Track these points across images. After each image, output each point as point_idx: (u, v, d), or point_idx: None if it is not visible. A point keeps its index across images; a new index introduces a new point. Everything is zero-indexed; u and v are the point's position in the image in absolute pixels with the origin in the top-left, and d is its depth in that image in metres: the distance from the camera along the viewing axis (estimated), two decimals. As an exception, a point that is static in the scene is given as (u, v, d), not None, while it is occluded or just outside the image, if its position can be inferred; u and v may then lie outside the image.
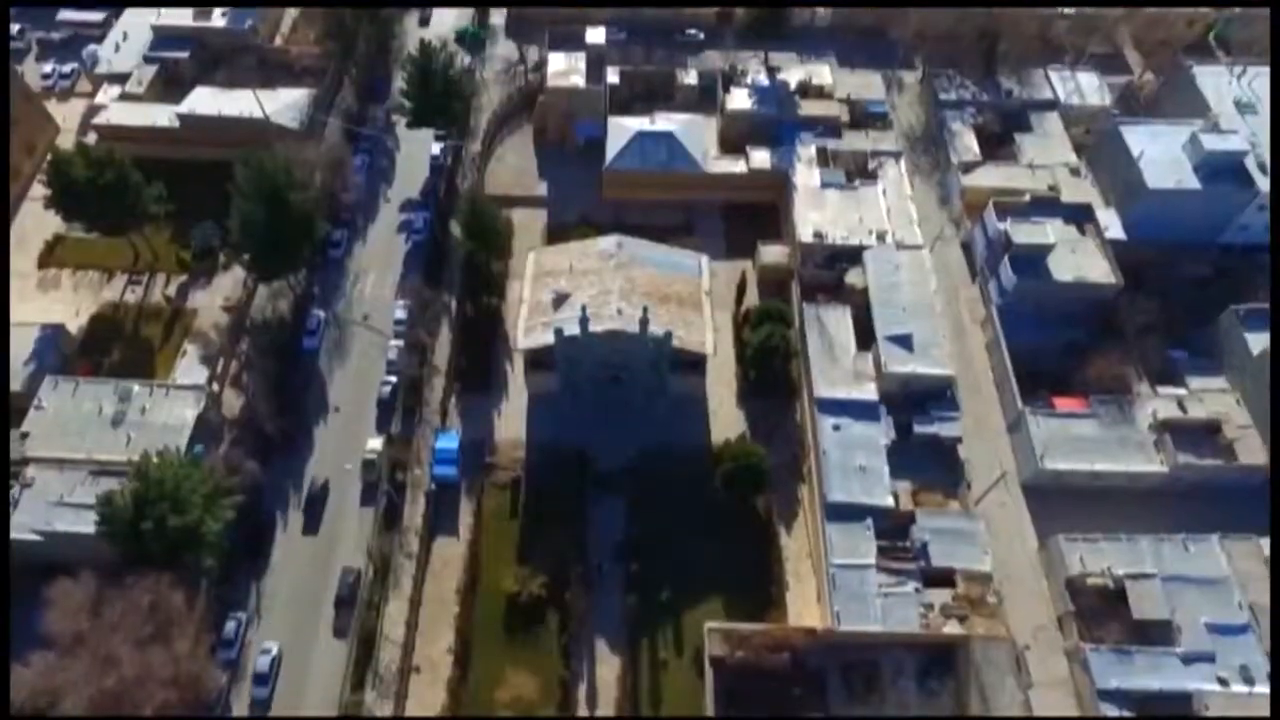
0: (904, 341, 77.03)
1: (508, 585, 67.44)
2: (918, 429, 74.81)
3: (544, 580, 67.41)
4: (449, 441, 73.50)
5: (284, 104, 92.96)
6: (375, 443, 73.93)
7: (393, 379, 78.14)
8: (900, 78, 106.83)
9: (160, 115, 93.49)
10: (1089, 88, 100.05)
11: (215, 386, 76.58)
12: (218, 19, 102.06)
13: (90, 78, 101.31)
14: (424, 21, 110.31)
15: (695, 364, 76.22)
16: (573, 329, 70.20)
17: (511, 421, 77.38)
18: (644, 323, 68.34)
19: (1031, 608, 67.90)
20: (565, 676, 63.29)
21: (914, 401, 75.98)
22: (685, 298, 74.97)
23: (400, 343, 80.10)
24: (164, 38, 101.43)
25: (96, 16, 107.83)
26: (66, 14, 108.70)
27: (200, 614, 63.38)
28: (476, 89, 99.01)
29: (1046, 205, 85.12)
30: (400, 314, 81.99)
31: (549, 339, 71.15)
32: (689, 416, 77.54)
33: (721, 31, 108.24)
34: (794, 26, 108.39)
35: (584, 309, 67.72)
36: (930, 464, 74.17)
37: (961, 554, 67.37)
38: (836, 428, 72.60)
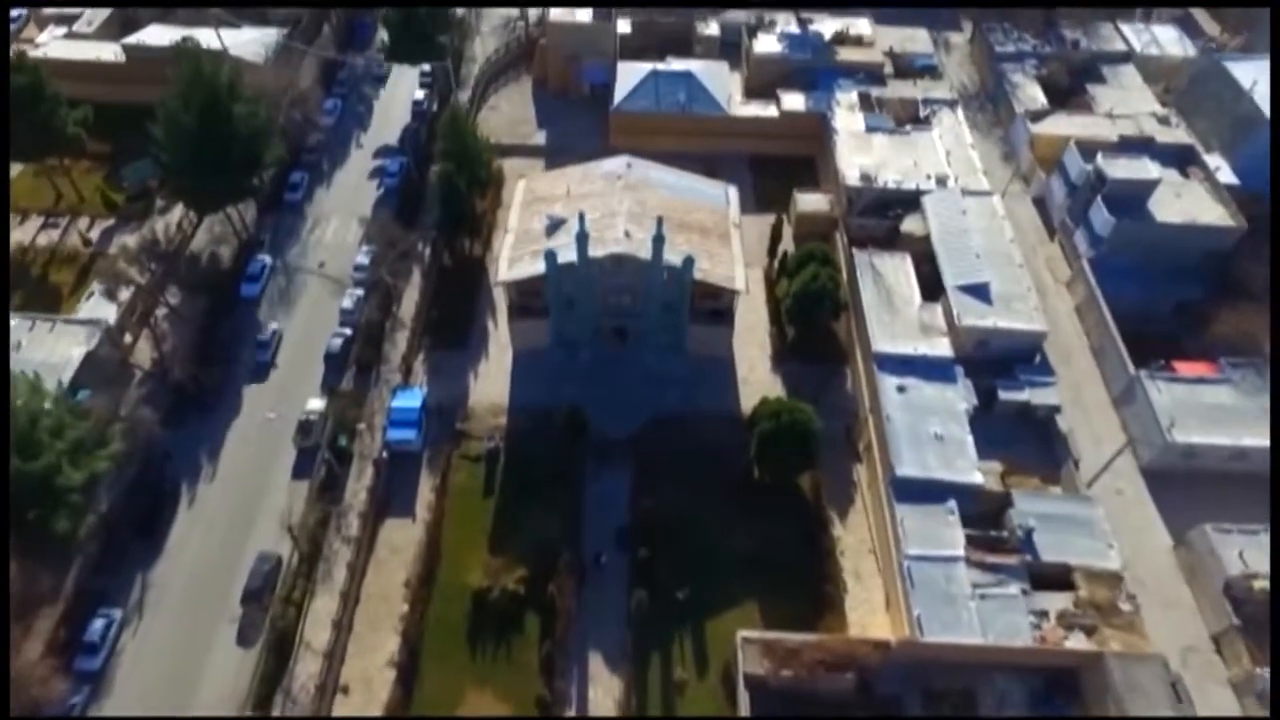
0: (980, 292, 62.04)
1: (474, 579, 50.92)
2: (1003, 395, 59.14)
3: (523, 574, 50.95)
4: (410, 400, 58.02)
5: (248, 38, 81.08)
6: (316, 402, 58.51)
7: (346, 331, 63.27)
8: (947, 38, 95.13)
9: (105, 51, 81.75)
10: (1167, 39, 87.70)
11: (129, 338, 61.92)
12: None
13: (38, 20, 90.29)
14: None
15: (720, 312, 61.33)
16: (568, 255, 55.62)
17: (491, 383, 61.97)
18: (659, 241, 53.60)
19: (1173, 622, 50.70)
20: (546, 698, 46.03)
21: (994, 364, 60.50)
22: (709, 227, 60.50)
23: (359, 291, 65.58)
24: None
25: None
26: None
27: (63, 604, 47.46)
28: (467, 29, 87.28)
29: (1138, 147, 71.21)
30: (363, 259, 67.68)
31: (538, 268, 56.44)
32: (712, 380, 62.01)
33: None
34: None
35: (582, 217, 53.06)
36: (1020, 440, 58.18)
37: (1078, 547, 50.70)
38: (901, 389, 56.92)
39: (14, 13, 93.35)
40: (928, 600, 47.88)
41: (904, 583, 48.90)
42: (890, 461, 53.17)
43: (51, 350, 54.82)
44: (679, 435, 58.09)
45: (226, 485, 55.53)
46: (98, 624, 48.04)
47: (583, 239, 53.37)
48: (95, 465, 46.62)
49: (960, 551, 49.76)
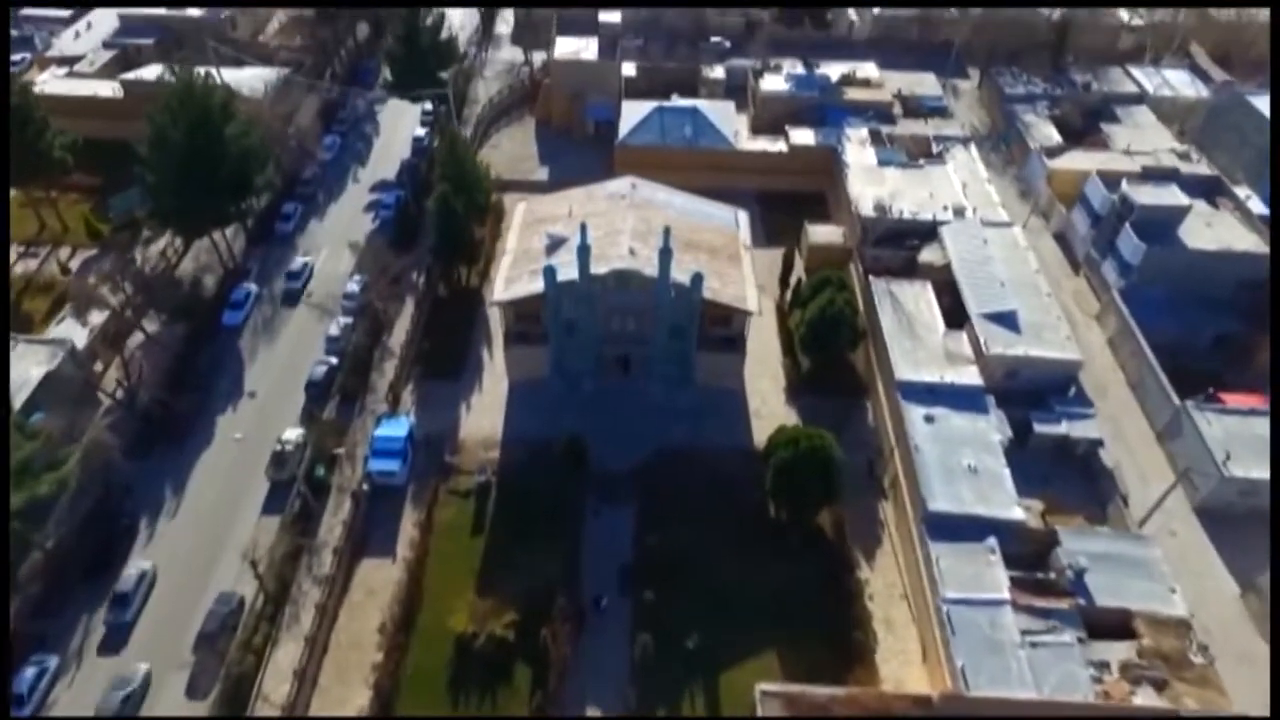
0: (1007, 320, 58.30)
1: (458, 624, 45.30)
2: (1039, 429, 54.68)
3: (513, 618, 45.39)
4: (395, 429, 53.49)
5: (249, 75, 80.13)
6: (293, 432, 54.00)
7: (332, 359, 59.32)
8: (954, 85, 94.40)
9: (103, 88, 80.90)
10: (1180, 82, 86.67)
11: (100, 365, 58.04)
12: (194, 9, 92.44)
13: (40, 62, 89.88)
14: None
15: (731, 340, 57.39)
16: (569, 273, 52.13)
17: (485, 415, 57.57)
18: (665, 254, 50.11)
19: (1250, 678, 44.63)
20: (535, 761, 39.97)
21: (1025, 396, 56.20)
22: (718, 248, 57.23)
23: (348, 320, 62.00)
24: (131, 26, 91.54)
25: (63, 14, 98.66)
26: (31, 10, 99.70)
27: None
28: (471, 72, 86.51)
29: (1163, 177, 68.64)
30: (353, 287, 64.37)
31: (537, 286, 52.88)
32: (722, 413, 57.51)
33: (750, 41, 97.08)
34: (831, 38, 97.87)
35: (584, 228, 49.70)
36: (1059, 477, 53.53)
37: (1137, 590, 45.20)
38: (929, 419, 52.42)
39: (15, 56, 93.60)
40: (971, 649, 42.20)
41: (943, 629, 43.29)
42: (921, 495, 48.22)
43: (11, 369, 50.69)
44: (687, 470, 53.30)
45: (190, 521, 50.53)
46: (28, 673, 42.35)
47: (584, 251, 49.93)
48: (37, 488, 41.93)
49: (1005, 594, 44.29)
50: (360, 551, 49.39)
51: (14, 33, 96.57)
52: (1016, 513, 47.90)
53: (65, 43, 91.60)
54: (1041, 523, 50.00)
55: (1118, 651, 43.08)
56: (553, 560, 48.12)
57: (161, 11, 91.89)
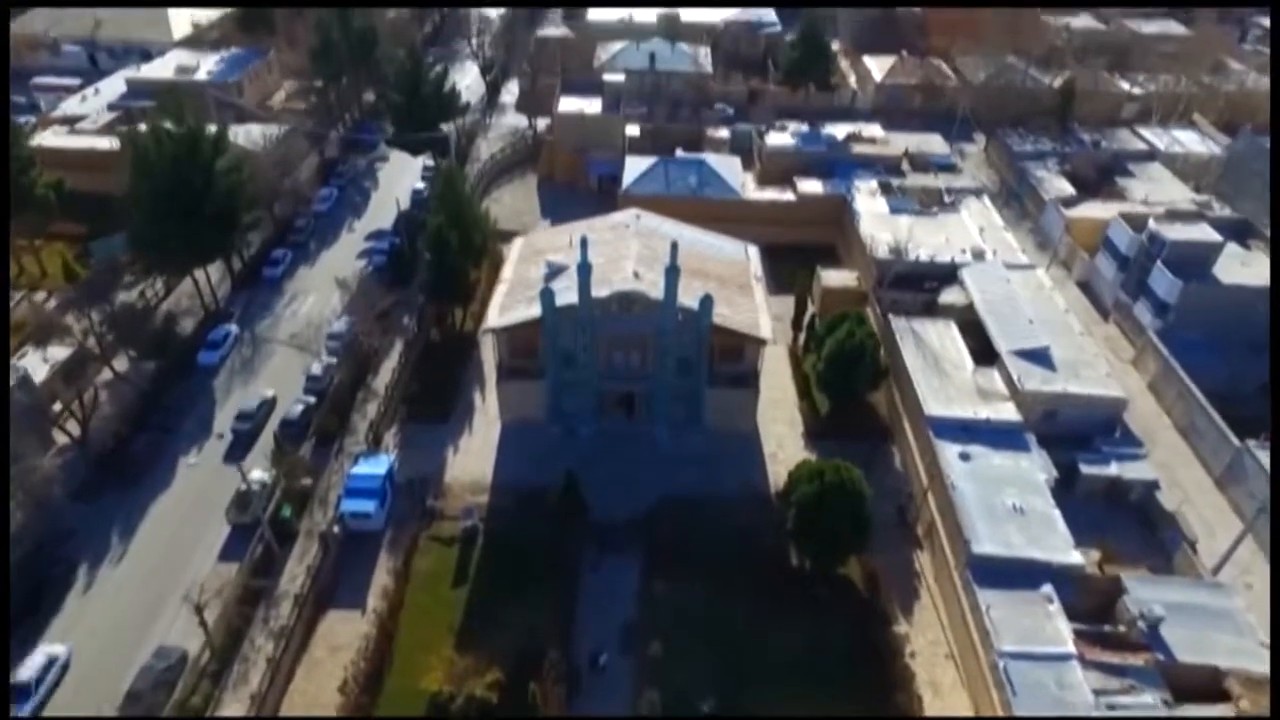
0: (1040, 358, 54.10)
1: (432, 683, 38.83)
2: (1086, 470, 49.50)
3: (496, 677, 38.97)
4: (374, 467, 48.35)
5: (249, 129, 79.19)
6: (260, 473, 48.83)
7: (310, 398, 54.81)
8: (961, 148, 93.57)
9: (100, 141, 79.93)
10: (1190, 140, 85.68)
11: (58, 404, 53.47)
12: (202, 73, 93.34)
13: (44, 122, 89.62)
14: None
15: (743, 377, 52.96)
16: (568, 297, 48.34)
17: (474, 459, 52.47)
18: (672, 272, 46.42)
19: (1366, 753, 37.62)
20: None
21: (1067, 438, 51.24)
22: (728, 278, 53.67)
23: (332, 360, 57.90)
24: (137, 89, 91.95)
25: (73, 82, 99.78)
26: (42, 79, 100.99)
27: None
28: (476, 132, 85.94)
29: (1192, 216, 65.88)
30: (339, 327, 60.61)
31: (533, 313, 48.95)
32: (736, 458, 52.31)
33: (753, 107, 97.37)
34: (835, 106, 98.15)
35: (584, 243, 46.09)
36: (1111, 525, 47.86)
37: (1223, 645, 39.00)
38: (965, 457, 47.41)
39: (21, 119, 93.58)
40: (1038, 711, 35.69)
41: (1002, 690, 36.88)
42: (964, 538, 42.59)
43: (-48, 397, 46.22)
44: (697, 518, 47.74)
45: (136, 567, 44.75)
46: (-80, 739, 35.69)
47: (585, 270, 46.24)
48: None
49: (1070, 648, 38.10)
50: (326, 602, 43.34)
51: (21, 99, 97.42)
52: (1074, 556, 42.21)
53: (71, 105, 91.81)
54: (1100, 573, 44.10)
55: (1203, 714, 36.53)
56: (545, 615, 41.99)
57: (169, 76, 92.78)
